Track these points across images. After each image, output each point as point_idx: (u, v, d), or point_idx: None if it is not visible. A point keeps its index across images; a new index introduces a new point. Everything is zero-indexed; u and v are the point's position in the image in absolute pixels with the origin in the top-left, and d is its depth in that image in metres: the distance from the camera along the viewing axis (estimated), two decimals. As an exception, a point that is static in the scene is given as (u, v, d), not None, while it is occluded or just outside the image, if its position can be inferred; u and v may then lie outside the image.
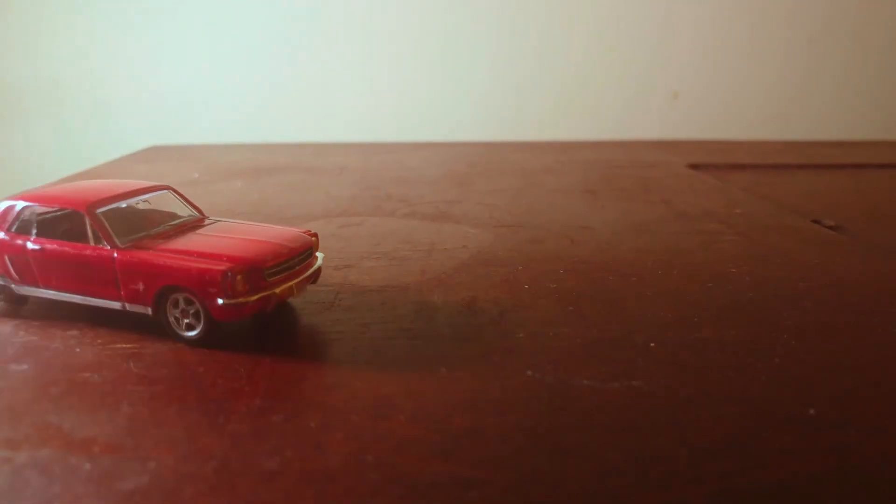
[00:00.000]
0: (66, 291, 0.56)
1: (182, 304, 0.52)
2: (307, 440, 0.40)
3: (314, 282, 0.60)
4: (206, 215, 0.63)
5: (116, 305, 0.54)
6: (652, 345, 0.53)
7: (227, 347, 0.52)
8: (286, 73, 1.95)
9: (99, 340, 0.53)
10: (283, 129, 1.93)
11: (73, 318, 0.57)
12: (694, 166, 1.40)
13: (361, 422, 0.42)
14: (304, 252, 0.57)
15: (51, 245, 0.56)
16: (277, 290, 0.53)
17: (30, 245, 0.56)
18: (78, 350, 0.51)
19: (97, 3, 1.88)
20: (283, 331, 0.56)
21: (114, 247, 0.54)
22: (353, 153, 1.59)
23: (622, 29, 1.98)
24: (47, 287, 0.57)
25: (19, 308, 0.59)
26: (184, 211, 0.62)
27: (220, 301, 0.50)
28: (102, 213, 0.55)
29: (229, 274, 0.50)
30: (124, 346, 0.52)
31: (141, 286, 0.53)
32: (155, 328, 0.54)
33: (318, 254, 0.61)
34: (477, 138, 1.86)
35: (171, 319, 0.53)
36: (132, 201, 0.60)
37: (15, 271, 0.57)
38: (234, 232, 0.58)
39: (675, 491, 0.35)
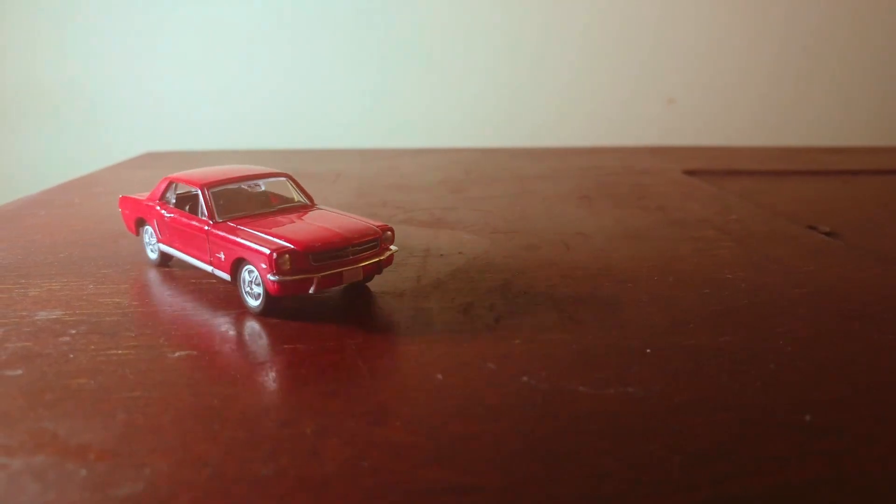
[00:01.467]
0: (180, 252, 0.69)
1: (247, 277, 0.61)
2: (303, 446, 0.40)
3: (378, 272, 0.65)
4: (314, 203, 0.72)
5: (208, 269, 0.66)
6: (647, 351, 0.53)
7: (223, 355, 0.52)
8: (282, 80, 1.95)
9: (92, 347, 0.53)
10: (280, 135, 1.94)
11: (65, 325, 0.57)
12: (689, 172, 1.40)
13: (357, 428, 0.42)
14: (359, 243, 0.62)
15: (176, 214, 0.70)
16: (319, 275, 0.59)
17: (166, 213, 0.71)
18: (72, 356, 0.51)
19: (93, 10, 1.88)
20: (279, 338, 0.56)
21: (212, 220, 0.65)
22: (349, 159, 1.59)
23: (617, 35, 1.99)
24: (171, 247, 0.71)
25: (164, 263, 0.74)
26: (297, 197, 0.73)
27: (269, 277, 0.57)
28: (213, 192, 0.67)
29: (275, 255, 0.57)
30: (118, 352, 0.52)
31: (222, 256, 0.63)
32: (148, 334, 0.54)
33: (391, 247, 0.66)
34: (472, 145, 1.86)
35: (243, 288, 0.62)
36: (247, 184, 0.72)
37: (158, 231, 0.73)
38: (315, 219, 0.66)
39: (668, 496, 0.35)
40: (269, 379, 0.48)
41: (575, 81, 1.99)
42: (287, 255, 0.57)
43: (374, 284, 0.68)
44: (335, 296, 0.65)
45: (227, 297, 0.64)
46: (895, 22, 2.02)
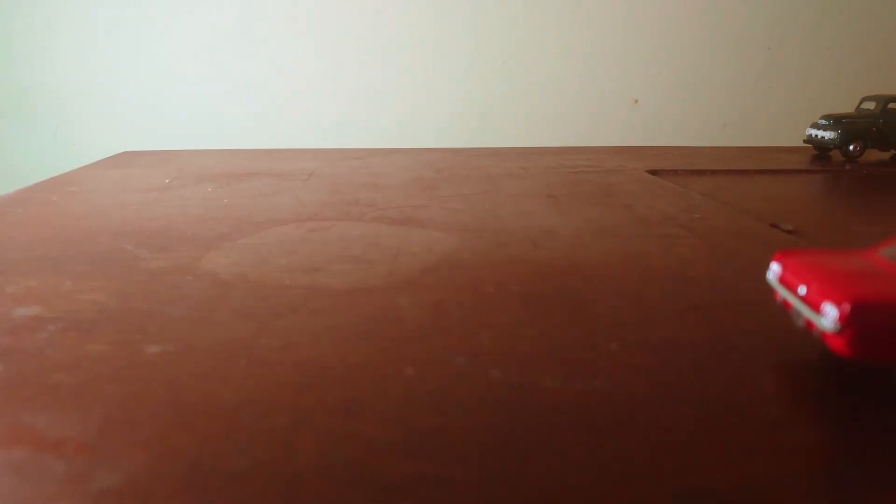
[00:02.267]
0: None
1: None
2: (277, 440, 0.40)
3: None
4: None
5: None
6: (613, 346, 0.54)
7: (199, 350, 0.53)
8: (256, 80, 1.95)
9: (69, 343, 0.53)
10: (254, 134, 1.93)
11: (42, 321, 0.57)
12: (654, 172, 1.42)
13: (331, 422, 0.42)
14: None
15: None
16: None
17: None
18: (49, 352, 0.52)
19: (69, 11, 1.86)
20: (255, 331, 0.56)
21: None
22: (322, 159, 1.59)
23: (584, 38, 2.00)
24: None
25: None
26: None
27: None
28: None
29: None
30: (96, 348, 0.52)
31: None
32: (125, 330, 0.55)
33: None
34: (443, 145, 1.87)
35: None
36: None
37: None
38: None
39: (635, 489, 0.36)
40: (245, 373, 0.49)
41: (543, 83, 2.01)
42: None
43: (344, 282, 0.69)
44: (307, 293, 0.66)
45: (205, 294, 0.65)
46: (856, 23, 2.06)
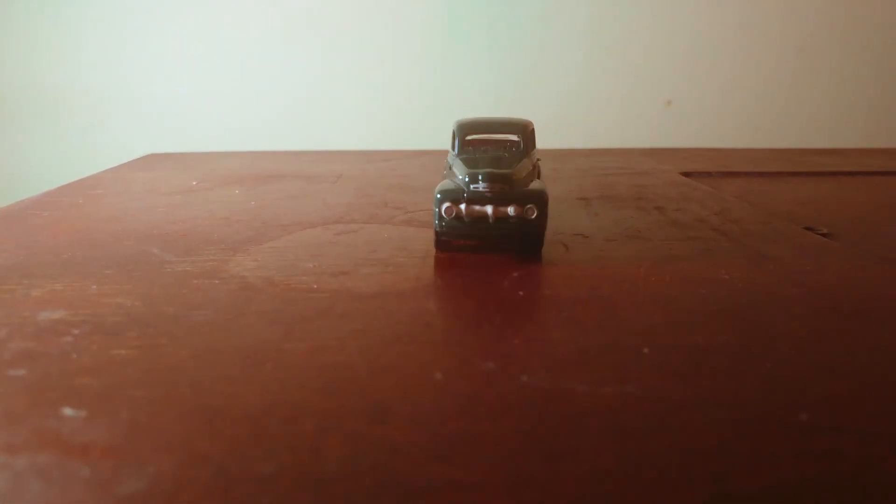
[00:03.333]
0: None
1: None
2: (304, 444, 0.40)
3: None
4: None
5: None
6: (645, 350, 0.53)
7: (225, 354, 0.52)
8: (284, 82, 1.95)
9: (95, 346, 0.53)
10: (281, 136, 1.94)
11: (68, 325, 0.57)
12: (686, 174, 1.41)
13: (358, 426, 0.42)
14: None
15: None
16: None
17: None
18: (74, 356, 0.52)
19: (95, 11, 1.88)
20: (282, 335, 0.56)
21: None
22: (350, 161, 1.59)
23: (616, 38, 1.99)
24: None
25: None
26: None
27: None
28: None
29: None
30: (121, 352, 0.52)
31: None
32: (150, 333, 0.54)
33: None
34: (472, 146, 1.86)
35: None
36: None
37: None
38: None
39: (667, 494, 0.36)
40: (271, 377, 0.49)
41: (574, 84, 2.00)
42: None
43: (372, 286, 0.68)
44: (334, 297, 0.65)
45: (231, 298, 0.64)
46: (890, 23, 2.03)
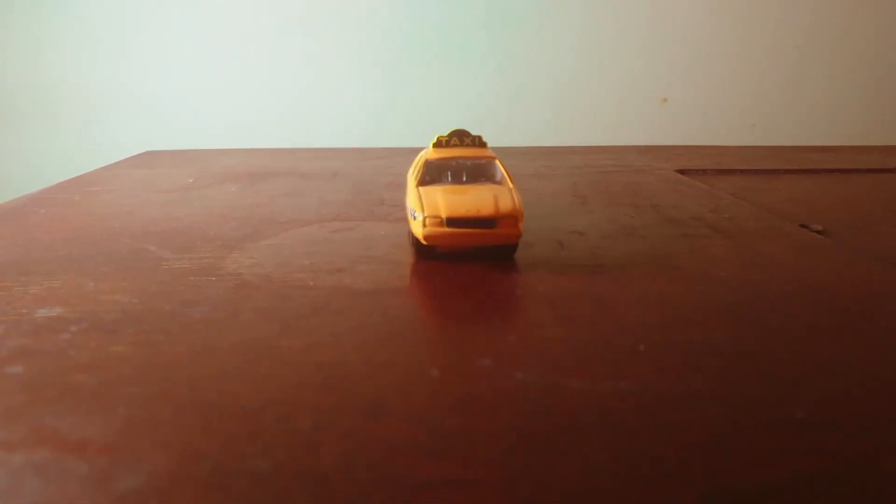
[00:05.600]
0: None
1: None
2: (300, 441, 0.40)
3: None
4: None
5: None
6: (640, 347, 0.53)
7: (221, 351, 0.52)
8: (280, 79, 1.95)
9: (92, 343, 0.53)
10: (277, 134, 1.94)
11: (65, 322, 0.57)
12: (682, 171, 1.41)
13: (354, 423, 0.42)
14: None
15: None
16: None
17: None
18: (72, 353, 0.52)
19: (92, 10, 1.88)
20: (278, 332, 0.56)
21: None
22: (346, 158, 1.59)
23: (611, 35, 1.99)
24: None
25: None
26: None
27: None
28: None
29: None
30: (118, 349, 0.52)
31: None
32: (147, 331, 0.54)
33: None
34: (468, 144, 1.86)
35: None
36: None
37: None
38: None
39: (661, 490, 0.36)
40: (267, 374, 0.49)
41: (569, 82, 2.00)
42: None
43: (368, 283, 0.68)
44: (330, 294, 0.66)
45: (227, 295, 0.64)
46: (886, 21, 2.03)
